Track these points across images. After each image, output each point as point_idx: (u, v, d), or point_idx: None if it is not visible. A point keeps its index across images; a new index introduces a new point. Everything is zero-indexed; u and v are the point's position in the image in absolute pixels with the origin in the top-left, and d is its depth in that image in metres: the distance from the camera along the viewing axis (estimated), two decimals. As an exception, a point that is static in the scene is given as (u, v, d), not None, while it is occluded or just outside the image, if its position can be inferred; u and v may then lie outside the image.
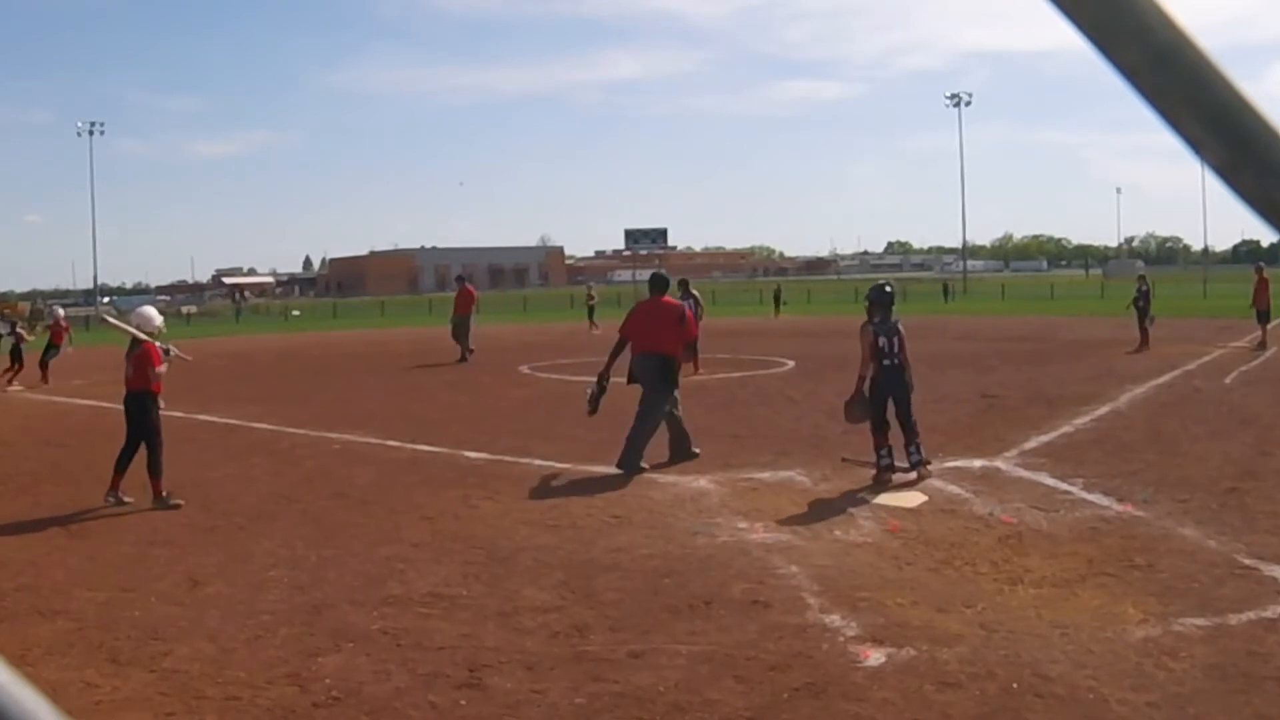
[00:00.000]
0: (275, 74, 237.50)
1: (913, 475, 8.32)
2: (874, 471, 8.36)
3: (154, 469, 8.18)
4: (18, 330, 20.20)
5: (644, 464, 8.97)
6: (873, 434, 8.44)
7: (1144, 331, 19.98)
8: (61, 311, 21.43)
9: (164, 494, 8.16)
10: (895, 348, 8.42)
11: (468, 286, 21.68)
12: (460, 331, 21.24)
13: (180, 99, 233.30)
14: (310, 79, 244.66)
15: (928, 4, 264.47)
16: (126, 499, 8.17)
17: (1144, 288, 20.60)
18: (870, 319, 8.50)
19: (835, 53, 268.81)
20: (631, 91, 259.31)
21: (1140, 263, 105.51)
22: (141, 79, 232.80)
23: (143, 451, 8.23)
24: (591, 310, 31.54)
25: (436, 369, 19.71)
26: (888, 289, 8.76)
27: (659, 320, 9.45)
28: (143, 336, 8.40)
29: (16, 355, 18.85)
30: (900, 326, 8.54)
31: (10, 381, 18.37)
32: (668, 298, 9.96)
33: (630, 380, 9.46)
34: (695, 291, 18.13)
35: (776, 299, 42.09)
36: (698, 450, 9.43)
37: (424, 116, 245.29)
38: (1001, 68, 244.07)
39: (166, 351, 8.53)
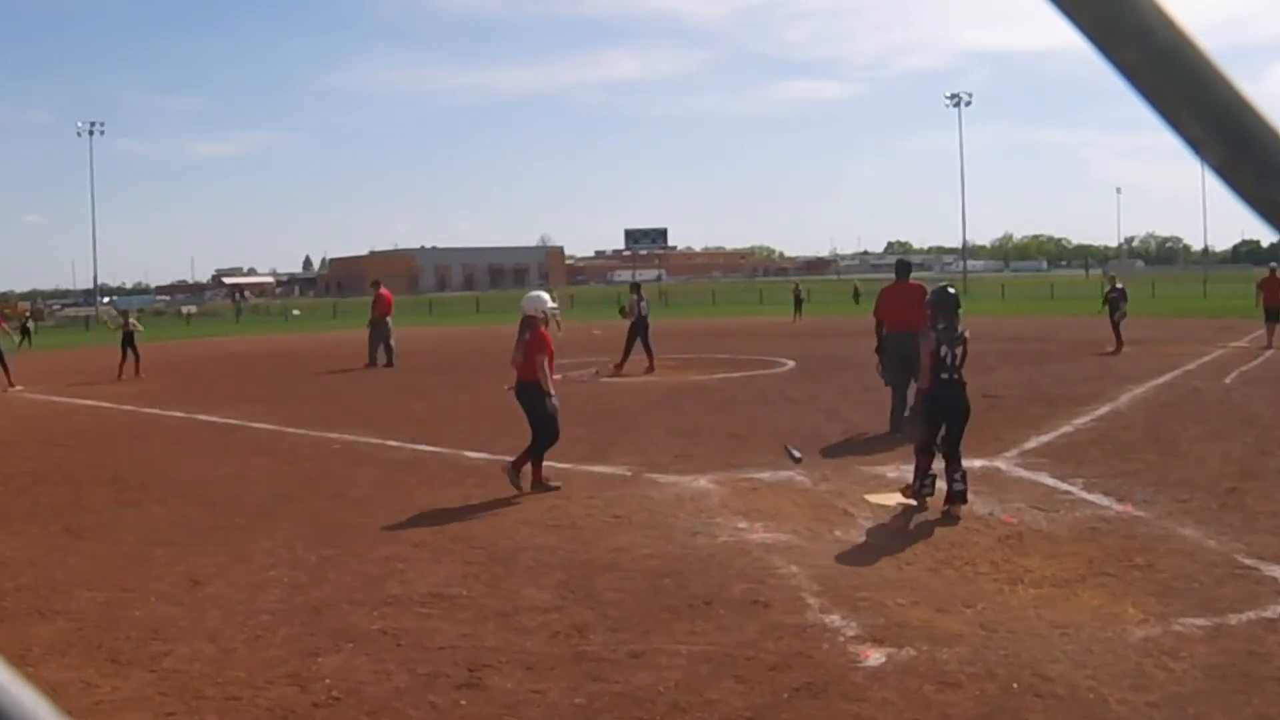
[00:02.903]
0: (275, 74, 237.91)
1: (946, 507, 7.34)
2: (912, 500, 7.50)
3: (537, 454, 8.33)
4: None
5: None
6: (917, 455, 7.54)
7: (1116, 332, 19.91)
8: None
9: (545, 480, 8.33)
10: (956, 360, 7.40)
11: (383, 291, 21.31)
12: (377, 336, 20.88)
13: (180, 99, 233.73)
14: (310, 79, 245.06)
15: (928, 4, 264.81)
16: (553, 484, 8.32)
17: (1119, 285, 20.61)
18: (933, 325, 7.51)
19: (835, 53, 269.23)
20: (631, 91, 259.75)
21: (1140, 263, 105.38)
22: (141, 79, 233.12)
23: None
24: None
25: (436, 369, 19.70)
26: (950, 290, 7.80)
27: (908, 301, 10.53)
28: (544, 315, 8.38)
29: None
30: (966, 335, 7.55)
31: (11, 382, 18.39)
32: (911, 281, 11.28)
33: (879, 351, 11.00)
34: (645, 295, 18.11)
35: (797, 300, 37.36)
36: None
37: (424, 116, 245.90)
38: (1001, 68, 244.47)
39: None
